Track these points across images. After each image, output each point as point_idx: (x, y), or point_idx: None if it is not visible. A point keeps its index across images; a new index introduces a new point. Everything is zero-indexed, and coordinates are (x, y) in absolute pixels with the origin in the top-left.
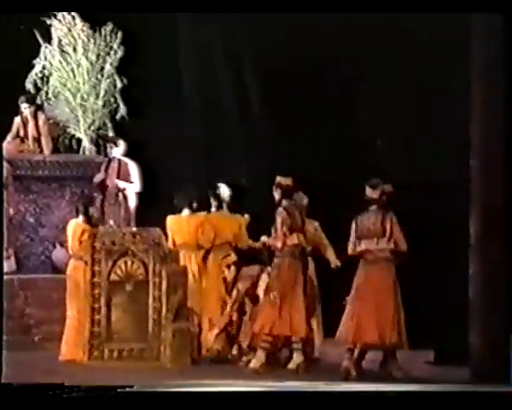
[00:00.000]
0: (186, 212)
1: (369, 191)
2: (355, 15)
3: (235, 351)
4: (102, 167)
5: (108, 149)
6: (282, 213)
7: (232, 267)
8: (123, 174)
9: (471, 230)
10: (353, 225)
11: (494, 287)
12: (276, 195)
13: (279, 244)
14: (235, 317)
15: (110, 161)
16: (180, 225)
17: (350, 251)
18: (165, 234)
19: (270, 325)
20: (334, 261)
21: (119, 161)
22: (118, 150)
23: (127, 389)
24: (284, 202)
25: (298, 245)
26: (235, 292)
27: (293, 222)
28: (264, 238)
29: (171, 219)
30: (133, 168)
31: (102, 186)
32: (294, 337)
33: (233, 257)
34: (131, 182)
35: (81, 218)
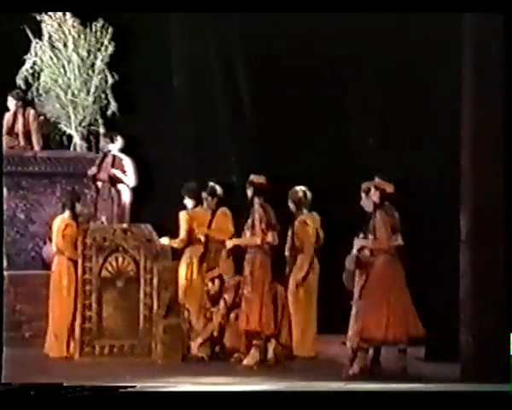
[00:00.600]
0: (189, 205)
1: (387, 186)
2: (348, 15)
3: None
4: (97, 162)
5: (103, 144)
6: (259, 209)
7: (216, 281)
8: (117, 169)
9: (462, 228)
10: (388, 218)
11: (484, 285)
12: (249, 192)
13: (258, 241)
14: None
15: (105, 156)
16: (199, 218)
17: (386, 245)
18: (157, 231)
19: (244, 322)
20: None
21: (114, 156)
22: (114, 146)
23: (129, 389)
24: (257, 200)
25: (270, 243)
26: (222, 303)
27: (269, 219)
28: (232, 241)
29: (185, 214)
30: (128, 164)
31: (96, 181)
32: (263, 334)
33: (217, 270)
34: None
35: (67, 213)
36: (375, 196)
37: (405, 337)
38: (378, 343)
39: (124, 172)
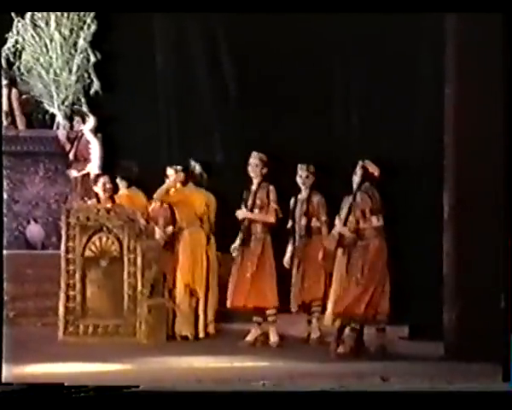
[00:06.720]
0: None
1: (372, 167)
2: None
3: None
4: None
5: (75, 124)
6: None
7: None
8: (80, 151)
9: (445, 207)
10: (367, 199)
11: (467, 264)
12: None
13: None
14: None
15: (77, 135)
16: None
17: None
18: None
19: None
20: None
21: (81, 137)
22: (86, 126)
23: (132, 390)
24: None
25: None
26: None
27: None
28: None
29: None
30: (94, 147)
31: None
32: None
33: None
34: (86, 159)
35: None
36: (358, 175)
37: (386, 317)
38: (365, 322)
39: (87, 154)
